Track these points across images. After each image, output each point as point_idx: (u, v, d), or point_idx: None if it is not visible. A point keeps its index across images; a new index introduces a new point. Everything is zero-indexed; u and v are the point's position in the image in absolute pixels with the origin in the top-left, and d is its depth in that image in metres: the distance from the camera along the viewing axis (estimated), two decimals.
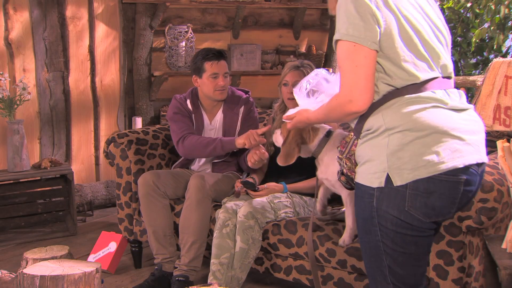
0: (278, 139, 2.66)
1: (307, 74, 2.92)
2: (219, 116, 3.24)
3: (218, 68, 3.12)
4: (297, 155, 2.55)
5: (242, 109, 3.22)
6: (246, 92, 3.31)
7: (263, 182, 3.14)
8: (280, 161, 2.55)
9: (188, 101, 3.22)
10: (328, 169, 2.55)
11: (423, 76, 1.69)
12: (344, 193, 2.52)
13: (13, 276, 2.59)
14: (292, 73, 3.01)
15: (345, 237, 2.57)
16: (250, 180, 3.00)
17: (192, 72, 3.21)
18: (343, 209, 2.88)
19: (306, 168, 3.01)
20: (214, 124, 3.24)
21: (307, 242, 2.59)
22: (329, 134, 2.58)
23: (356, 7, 1.66)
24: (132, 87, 4.85)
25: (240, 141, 2.98)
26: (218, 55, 3.13)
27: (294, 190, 2.98)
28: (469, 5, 4.75)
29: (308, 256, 2.68)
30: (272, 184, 2.96)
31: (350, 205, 2.50)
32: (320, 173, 2.62)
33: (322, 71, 2.15)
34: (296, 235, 2.74)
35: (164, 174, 3.16)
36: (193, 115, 3.21)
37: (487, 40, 5.13)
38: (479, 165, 1.71)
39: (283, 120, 2.13)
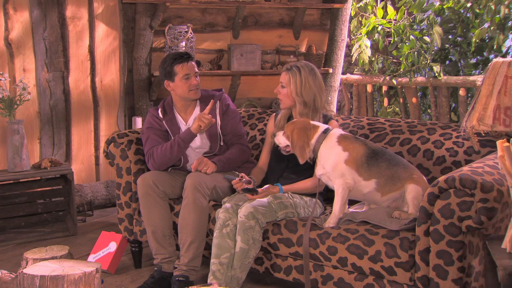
0: (280, 139, 2.90)
1: (295, 77, 3.00)
2: (195, 115, 3.27)
3: (189, 69, 3.17)
4: (308, 151, 2.79)
5: (218, 105, 3.27)
6: (219, 90, 3.37)
7: (263, 181, 3.15)
8: (300, 161, 2.82)
9: (159, 110, 3.28)
10: (326, 161, 2.75)
11: None
12: (337, 183, 2.71)
13: (13, 276, 2.59)
14: (282, 74, 3.06)
15: (330, 221, 2.72)
16: (250, 185, 2.99)
17: (163, 78, 3.24)
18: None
19: (305, 169, 3.02)
20: (191, 123, 3.26)
21: (304, 241, 2.68)
22: (326, 131, 2.81)
23: None
24: (132, 87, 4.85)
25: (195, 126, 3.11)
26: (186, 57, 3.19)
27: (291, 191, 2.98)
28: (469, 5, 4.74)
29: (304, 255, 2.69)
30: (269, 187, 2.96)
31: (341, 193, 2.70)
32: (319, 169, 2.80)
33: None
34: (296, 234, 2.74)
35: (163, 174, 3.17)
36: (163, 121, 3.25)
37: (487, 40, 5.12)
38: None
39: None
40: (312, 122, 2.86)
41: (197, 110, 3.28)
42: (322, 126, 2.84)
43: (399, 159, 2.74)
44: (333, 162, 2.72)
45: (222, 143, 3.26)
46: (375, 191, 2.71)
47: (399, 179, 2.67)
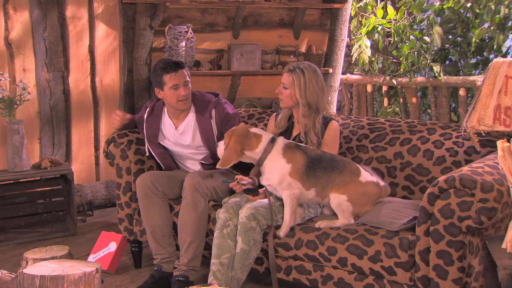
0: (222, 150, 2.86)
1: (298, 78, 2.96)
2: (188, 121, 3.22)
3: (178, 79, 3.10)
4: (234, 161, 2.79)
5: (213, 113, 3.20)
6: (216, 95, 3.30)
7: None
8: (218, 165, 2.82)
9: (147, 110, 3.28)
10: (272, 174, 2.77)
11: None
12: (285, 194, 2.74)
13: (13, 276, 2.59)
14: (284, 75, 3.03)
15: (281, 230, 2.76)
16: (250, 186, 2.98)
17: (153, 85, 3.22)
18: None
19: None
20: (181, 129, 3.23)
21: (268, 246, 2.75)
22: (273, 140, 2.81)
23: None
24: (132, 87, 4.85)
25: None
26: (175, 66, 3.11)
27: None
28: (469, 5, 4.74)
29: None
30: None
31: (290, 204, 2.73)
32: (265, 180, 2.81)
33: None
34: (294, 238, 2.74)
35: (161, 175, 3.17)
36: (144, 124, 3.27)
37: (487, 40, 5.12)
38: None
39: None
40: (252, 130, 2.85)
41: (190, 116, 3.22)
42: (266, 135, 2.84)
43: (335, 164, 2.77)
44: (278, 175, 2.75)
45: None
46: (316, 197, 2.79)
47: (333, 184, 2.75)
